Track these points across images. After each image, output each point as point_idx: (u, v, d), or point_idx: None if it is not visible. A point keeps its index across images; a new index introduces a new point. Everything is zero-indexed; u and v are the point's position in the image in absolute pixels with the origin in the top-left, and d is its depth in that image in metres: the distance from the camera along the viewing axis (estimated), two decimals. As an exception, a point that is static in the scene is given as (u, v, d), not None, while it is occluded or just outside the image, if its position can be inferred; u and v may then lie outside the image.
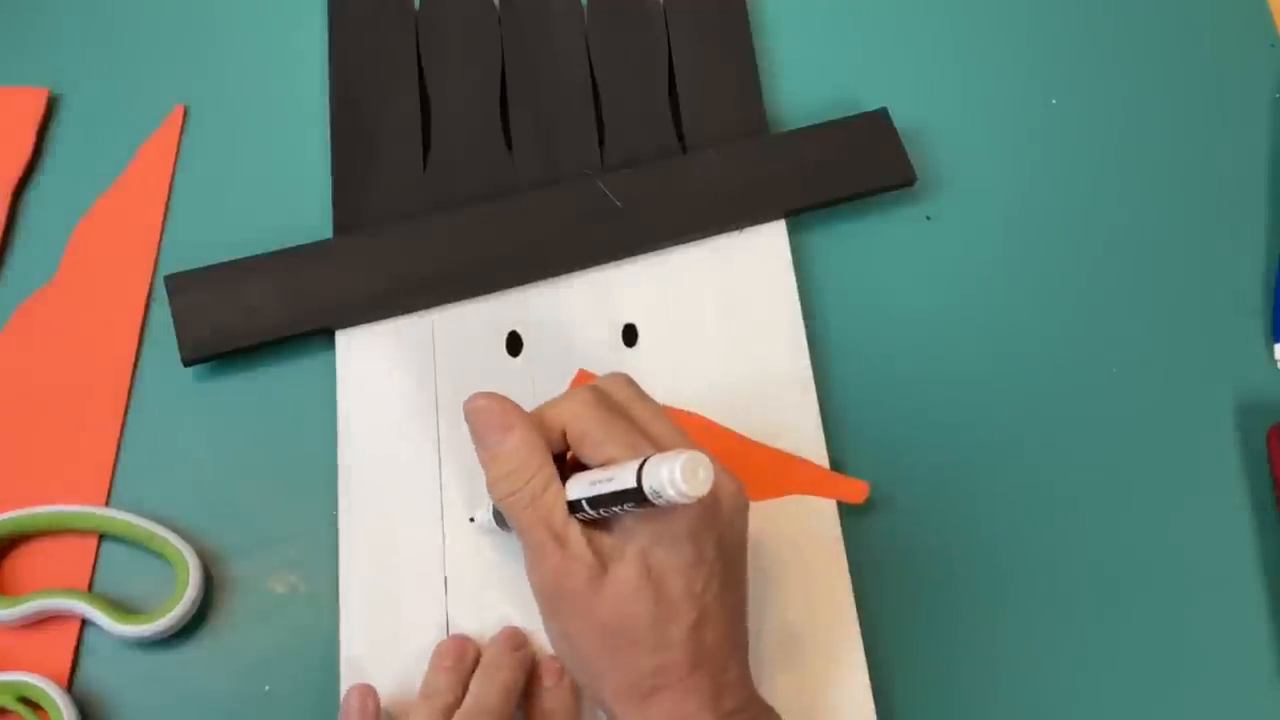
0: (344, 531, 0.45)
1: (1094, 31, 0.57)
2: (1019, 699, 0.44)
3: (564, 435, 0.38)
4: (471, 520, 0.45)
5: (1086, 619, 0.45)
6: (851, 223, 0.52)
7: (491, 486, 0.38)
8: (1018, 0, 0.58)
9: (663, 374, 0.47)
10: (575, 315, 0.49)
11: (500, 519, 0.42)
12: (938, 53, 0.57)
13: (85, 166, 0.53)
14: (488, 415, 0.38)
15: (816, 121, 0.53)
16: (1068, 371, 0.49)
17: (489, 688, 0.40)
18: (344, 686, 0.42)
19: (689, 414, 0.47)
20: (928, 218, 0.53)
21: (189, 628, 0.44)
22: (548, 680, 0.42)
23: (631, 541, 0.36)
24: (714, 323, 0.49)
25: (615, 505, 0.35)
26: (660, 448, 0.37)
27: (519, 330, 0.49)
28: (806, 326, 0.49)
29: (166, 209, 0.52)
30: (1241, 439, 0.48)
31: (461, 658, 0.42)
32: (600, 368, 0.48)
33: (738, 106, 0.54)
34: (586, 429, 0.37)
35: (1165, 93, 0.56)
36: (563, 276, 0.50)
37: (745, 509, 0.38)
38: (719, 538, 0.36)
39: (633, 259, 0.50)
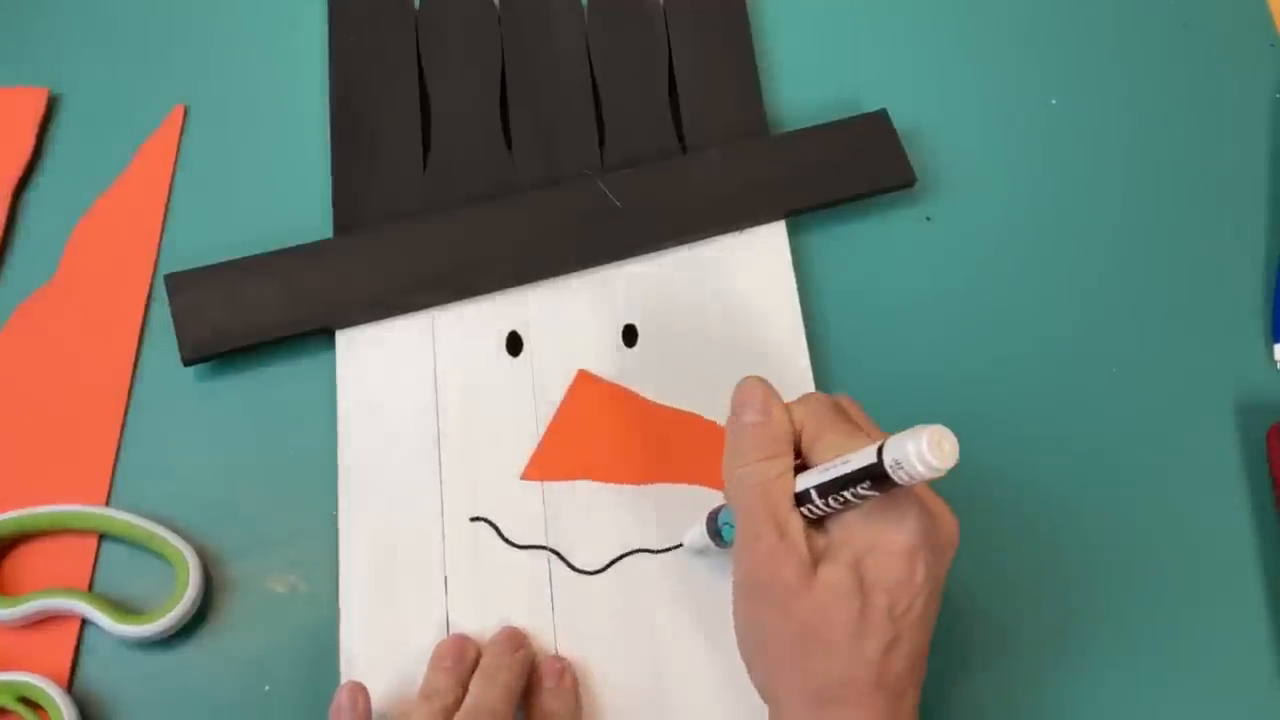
0: (344, 531, 0.45)
1: (1094, 31, 0.57)
2: (1019, 697, 0.44)
3: (799, 436, 0.37)
4: (679, 546, 0.44)
5: (1086, 618, 0.45)
6: (851, 223, 0.52)
7: (727, 458, 0.38)
8: (1018, 0, 0.58)
9: (663, 374, 0.47)
10: (575, 315, 0.49)
11: (714, 531, 0.41)
12: (938, 53, 0.57)
13: (85, 166, 0.53)
14: (749, 394, 0.38)
15: (817, 122, 0.53)
16: (1068, 371, 0.49)
17: (489, 688, 0.40)
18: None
19: (689, 414, 0.47)
20: (928, 218, 0.53)
21: (189, 628, 0.44)
22: (548, 681, 0.42)
23: (847, 546, 0.35)
24: (714, 323, 0.49)
25: (848, 488, 0.34)
26: None
27: (519, 330, 0.49)
28: (806, 326, 0.49)
29: (166, 209, 0.52)
30: (1241, 439, 0.48)
31: (461, 658, 0.42)
32: (600, 368, 0.48)
33: (738, 107, 0.54)
34: (823, 431, 0.37)
35: (1165, 93, 0.56)
36: (563, 276, 0.50)
37: (955, 547, 0.37)
38: (930, 564, 0.36)
39: (633, 259, 0.50)
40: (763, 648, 0.37)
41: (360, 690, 0.40)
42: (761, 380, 0.38)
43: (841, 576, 0.35)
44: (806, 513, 0.36)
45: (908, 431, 0.32)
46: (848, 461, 0.34)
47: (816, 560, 0.36)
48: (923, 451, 0.32)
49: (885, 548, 0.35)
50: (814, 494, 0.36)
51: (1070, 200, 0.53)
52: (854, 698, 0.35)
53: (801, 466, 0.38)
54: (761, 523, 0.36)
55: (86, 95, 0.54)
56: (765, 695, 0.38)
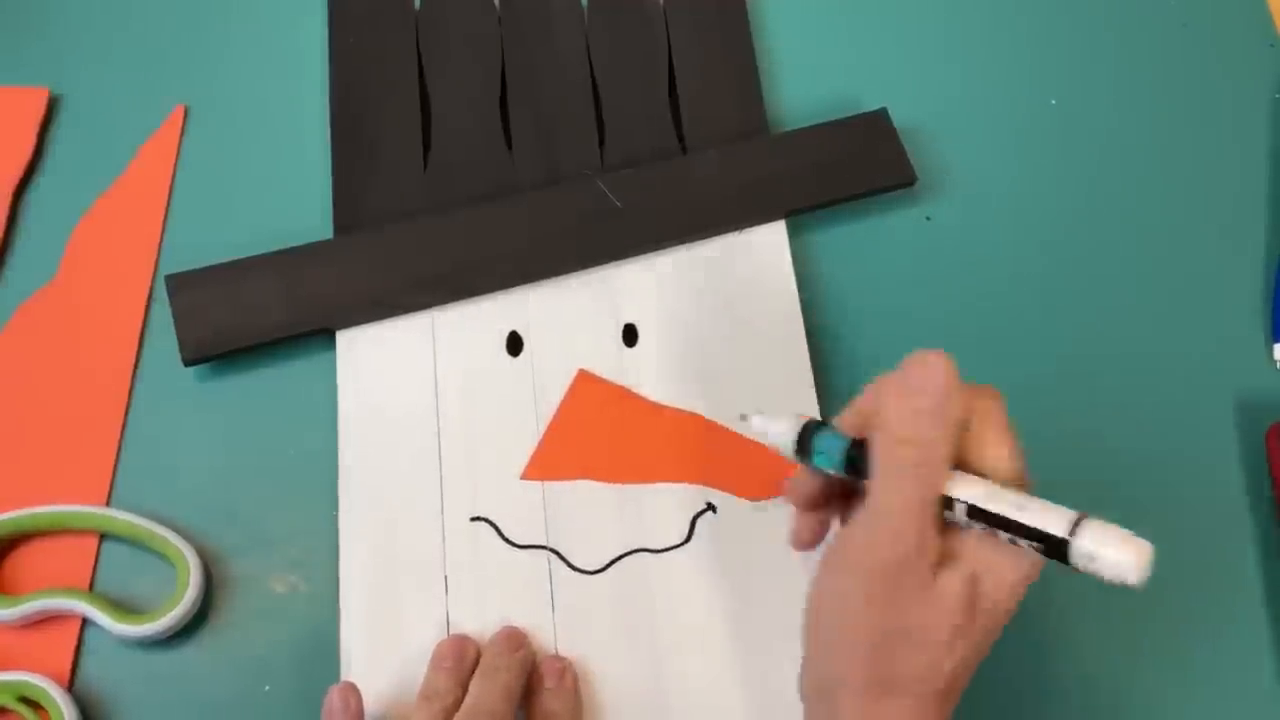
0: (344, 531, 0.45)
1: (1094, 31, 0.57)
2: (1019, 697, 0.44)
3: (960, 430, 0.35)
4: (706, 507, 0.44)
5: (1085, 618, 0.45)
6: (851, 223, 0.52)
7: (899, 422, 0.34)
8: (1017, 0, 0.58)
9: (663, 374, 0.47)
10: (575, 315, 0.49)
11: (805, 444, 0.37)
12: (938, 53, 0.57)
13: (85, 166, 0.53)
14: (934, 370, 0.35)
15: (816, 122, 0.53)
16: (1067, 371, 0.49)
17: (489, 688, 0.40)
18: (344, 686, 0.42)
19: (689, 414, 0.47)
20: (928, 218, 0.53)
21: (189, 628, 0.44)
22: (549, 681, 0.42)
23: (967, 559, 0.34)
24: (714, 323, 0.49)
25: (1011, 533, 0.33)
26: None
27: (519, 330, 0.49)
28: (806, 326, 0.49)
29: (166, 209, 0.52)
30: (1241, 439, 0.48)
31: (461, 658, 0.42)
32: (600, 368, 0.48)
33: (738, 106, 0.54)
34: (988, 439, 0.35)
35: (1165, 92, 0.56)
36: (563, 276, 0.50)
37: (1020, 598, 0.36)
38: (1017, 600, 0.35)
39: (633, 259, 0.50)
40: (841, 623, 0.36)
41: (352, 690, 0.40)
42: (946, 361, 0.35)
43: (958, 590, 0.34)
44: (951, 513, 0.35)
45: (1117, 530, 0.32)
46: (1028, 510, 0.33)
47: (934, 565, 0.34)
48: (1124, 562, 0.31)
49: (1001, 572, 0.34)
50: (964, 510, 0.34)
51: (1070, 200, 0.53)
52: (919, 696, 0.35)
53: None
54: (904, 503, 0.34)
55: (86, 95, 0.54)
56: (816, 668, 0.37)
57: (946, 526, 0.35)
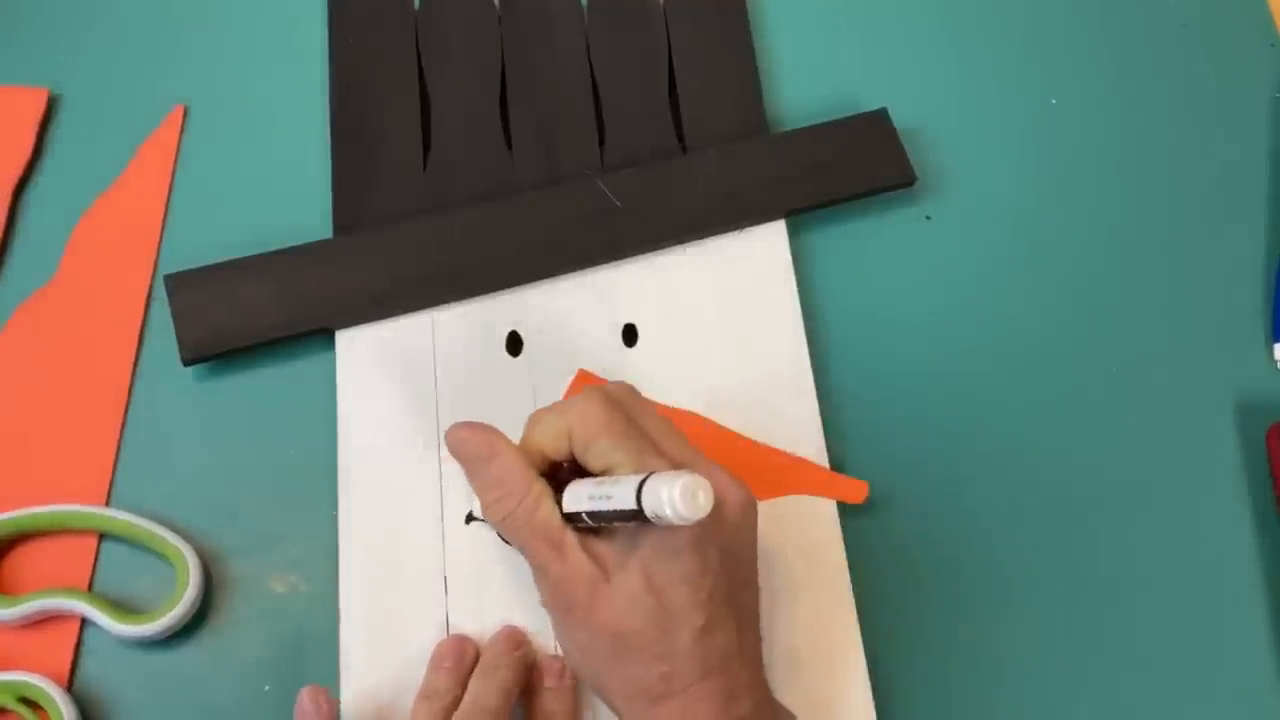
0: (344, 531, 0.45)
1: (1094, 31, 0.57)
2: (1019, 699, 0.44)
3: (569, 438, 0.38)
4: (470, 518, 0.45)
5: (1086, 618, 0.45)
6: (851, 223, 0.52)
7: (487, 512, 0.38)
8: (1017, 0, 0.58)
9: (663, 374, 0.47)
10: (575, 315, 0.49)
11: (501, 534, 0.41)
12: (938, 53, 0.57)
13: (85, 166, 0.53)
14: (470, 445, 0.38)
15: (816, 121, 0.53)
16: (1067, 371, 0.49)
17: (488, 687, 0.40)
18: (344, 686, 0.42)
19: (689, 414, 0.47)
20: (928, 218, 0.53)
21: (189, 628, 0.44)
22: (548, 680, 0.42)
23: (634, 551, 0.36)
24: (714, 323, 0.49)
25: (615, 521, 0.35)
26: (670, 461, 0.36)
27: (519, 330, 0.49)
28: (806, 326, 0.49)
29: (166, 209, 0.52)
30: (1241, 439, 0.48)
31: (461, 658, 0.42)
32: (600, 368, 0.48)
33: (738, 106, 0.54)
34: (595, 434, 0.37)
35: (1165, 92, 0.56)
36: (563, 276, 0.50)
37: (753, 513, 0.38)
38: (724, 545, 0.36)
39: (633, 259, 0.50)
40: (586, 662, 0.38)
41: (321, 692, 0.40)
42: (468, 426, 0.39)
43: (633, 582, 0.35)
44: (582, 527, 0.37)
45: (666, 476, 0.33)
46: (610, 498, 0.35)
47: (608, 570, 0.36)
48: (674, 501, 0.32)
49: (670, 547, 0.35)
50: (585, 517, 0.36)
51: (1070, 200, 0.53)
52: (683, 688, 0.35)
53: (577, 469, 0.38)
54: (543, 555, 0.37)
55: (86, 95, 0.54)
56: (605, 704, 0.38)
57: (613, 535, 0.37)
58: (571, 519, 0.37)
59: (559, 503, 0.37)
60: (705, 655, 0.35)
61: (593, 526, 0.37)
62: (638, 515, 0.34)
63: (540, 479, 0.37)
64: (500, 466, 0.37)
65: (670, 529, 0.35)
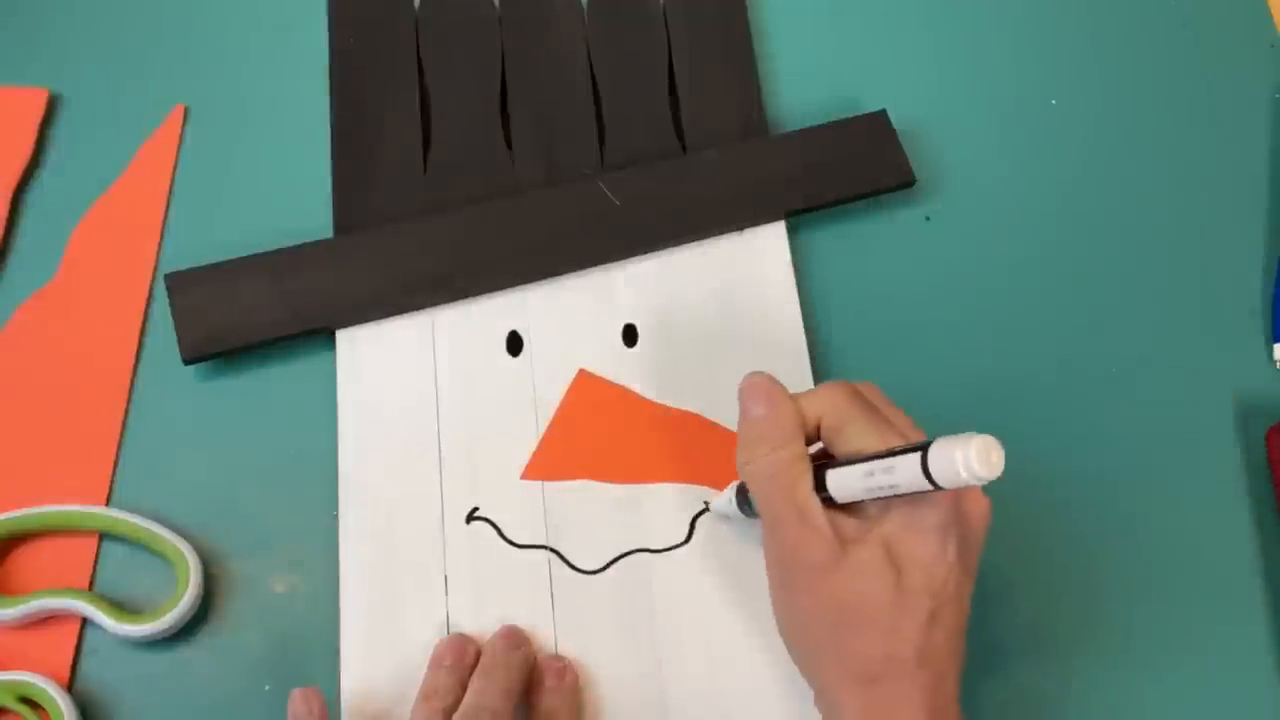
0: (344, 531, 0.45)
1: (1094, 31, 0.57)
2: (1019, 698, 0.44)
3: (818, 426, 0.38)
4: (704, 508, 0.45)
5: (1086, 618, 0.45)
6: (851, 223, 0.52)
7: (739, 452, 0.38)
8: (1017, 1, 0.58)
9: (663, 374, 0.47)
10: (575, 315, 0.49)
11: (743, 501, 0.41)
12: (938, 53, 0.57)
13: (85, 166, 0.53)
14: (754, 389, 0.39)
15: (816, 122, 0.53)
16: (1067, 372, 0.49)
17: (489, 687, 0.40)
18: (344, 686, 0.42)
19: (689, 414, 0.47)
20: (928, 218, 0.53)
21: (189, 628, 0.44)
22: (549, 680, 0.42)
23: (877, 527, 0.36)
24: (714, 323, 0.49)
25: (888, 489, 0.34)
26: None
27: (519, 330, 0.49)
28: (806, 326, 0.49)
29: (166, 209, 0.52)
30: (1241, 439, 0.48)
31: (461, 658, 0.42)
32: (600, 368, 0.48)
33: (738, 106, 0.54)
34: (845, 420, 0.37)
35: (1165, 92, 0.56)
36: (563, 276, 0.50)
37: (988, 519, 0.38)
38: (962, 540, 0.36)
39: (633, 259, 0.50)
40: (801, 632, 0.38)
41: (314, 694, 0.40)
42: (765, 374, 0.39)
43: (873, 555, 0.35)
44: (833, 498, 0.37)
45: (953, 439, 0.32)
46: (892, 469, 0.34)
47: (845, 542, 0.36)
48: (970, 462, 0.31)
49: (916, 526, 0.35)
50: (845, 489, 0.36)
51: (1070, 200, 0.53)
52: (897, 674, 0.35)
53: (823, 455, 0.38)
54: (781, 509, 0.36)
55: (86, 95, 0.54)
56: (810, 679, 0.38)
57: (853, 511, 0.37)
58: (822, 491, 0.36)
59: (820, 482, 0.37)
60: (925, 644, 0.35)
61: (836, 504, 0.36)
62: (924, 482, 0.33)
63: (802, 442, 0.37)
64: (771, 413, 0.38)
65: (918, 509, 0.35)
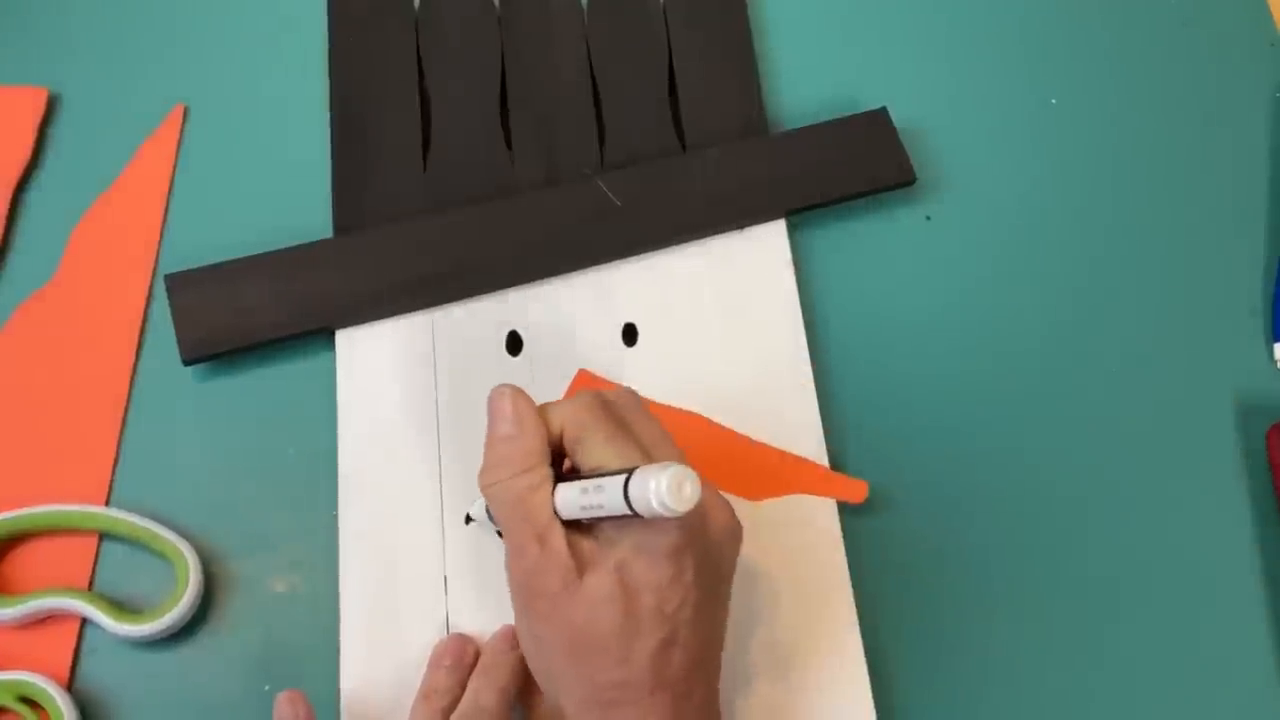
0: (344, 531, 0.45)
1: (1093, 31, 0.57)
2: (1019, 698, 0.44)
3: (561, 437, 0.37)
4: (468, 519, 0.45)
5: (1086, 618, 0.45)
6: (851, 223, 0.52)
7: (481, 474, 0.38)
8: (1017, 0, 0.58)
9: (663, 374, 0.47)
10: (575, 315, 0.49)
11: (493, 519, 0.41)
12: (938, 53, 0.57)
13: (85, 166, 0.53)
14: (500, 408, 0.38)
15: (816, 121, 0.53)
16: (1067, 371, 0.49)
17: (487, 687, 0.40)
18: (344, 686, 0.42)
19: (689, 414, 0.47)
20: (928, 218, 0.53)
21: (189, 628, 0.44)
22: (546, 680, 0.42)
23: (612, 551, 0.35)
24: (714, 323, 0.49)
25: (604, 515, 0.35)
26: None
27: (519, 330, 0.49)
28: (806, 326, 0.49)
29: (166, 209, 0.52)
30: (1241, 439, 0.48)
31: (461, 657, 0.42)
32: (600, 368, 0.48)
33: (738, 106, 0.54)
34: (585, 434, 0.37)
35: (1165, 92, 0.56)
36: (563, 276, 0.50)
37: (737, 538, 0.38)
38: (701, 560, 0.36)
39: (633, 259, 0.50)
40: (542, 657, 0.37)
41: (298, 696, 0.40)
42: (513, 390, 0.38)
43: (605, 582, 0.35)
44: (568, 518, 0.36)
45: (654, 468, 0.33)
46: (601, 488, 0.34)
47: (583, 567, 0.36)
48: (661, 492, 0.32)
49: (649, 550, 0.35)
50: (566, 505, 0.36)
51: (1070, 199, 0.53)
52: (633, 699, 0.35)
53: (570, 469, 0.38)
54: (521, 536, 0.36)
55: (86, 95, 0.54)
56: (551, 703, 0.38)
57: (595, 533, 0.36)
58: (561, 510, 0.36)
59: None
60: (660, 669, 0.35)
61: (579, 521, 0.36)
62: (626, 507, 0.33)
63: (546, 465, 0.37)
64: (514, 435, 0.37)
65: (652, 532, 0.35)
